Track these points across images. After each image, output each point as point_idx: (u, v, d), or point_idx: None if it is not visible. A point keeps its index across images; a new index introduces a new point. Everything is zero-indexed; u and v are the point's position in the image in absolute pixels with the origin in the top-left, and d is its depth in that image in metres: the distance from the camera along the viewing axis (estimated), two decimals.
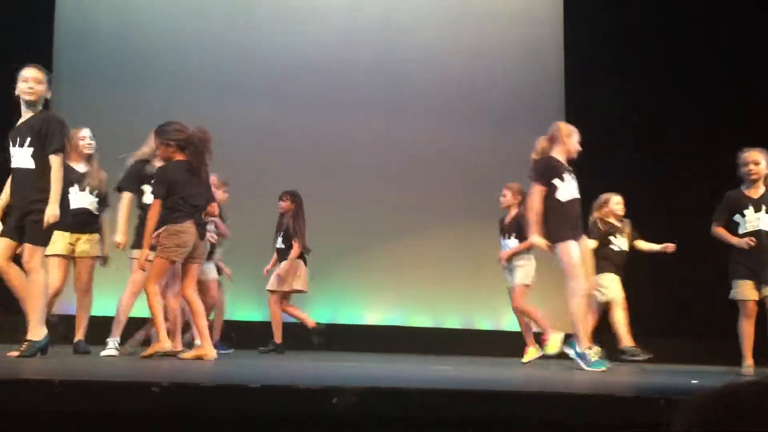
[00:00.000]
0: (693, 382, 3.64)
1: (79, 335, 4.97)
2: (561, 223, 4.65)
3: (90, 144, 5.12)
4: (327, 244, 7.33)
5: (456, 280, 7.93)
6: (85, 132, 5.17)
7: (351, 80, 8.08)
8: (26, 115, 4.03)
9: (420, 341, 7.36)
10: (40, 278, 3.87)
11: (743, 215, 4.96)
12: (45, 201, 3.84)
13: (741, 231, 4.97)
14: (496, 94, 8.37)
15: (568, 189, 4.77)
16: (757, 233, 4.90)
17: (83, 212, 4.95)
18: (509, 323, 8.02)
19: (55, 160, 3.88)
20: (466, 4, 8.54)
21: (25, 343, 3.88)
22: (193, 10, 7.91)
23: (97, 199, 5.07)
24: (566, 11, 8.58)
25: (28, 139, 3.91)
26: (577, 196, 4.85)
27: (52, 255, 4.63)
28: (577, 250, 4.62)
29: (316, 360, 4.86)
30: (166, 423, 2.37)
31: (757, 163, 4.95)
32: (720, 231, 5.03)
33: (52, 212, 3.83)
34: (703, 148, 7.35)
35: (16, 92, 4.00)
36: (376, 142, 8.04)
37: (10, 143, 4.00)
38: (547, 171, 4.77)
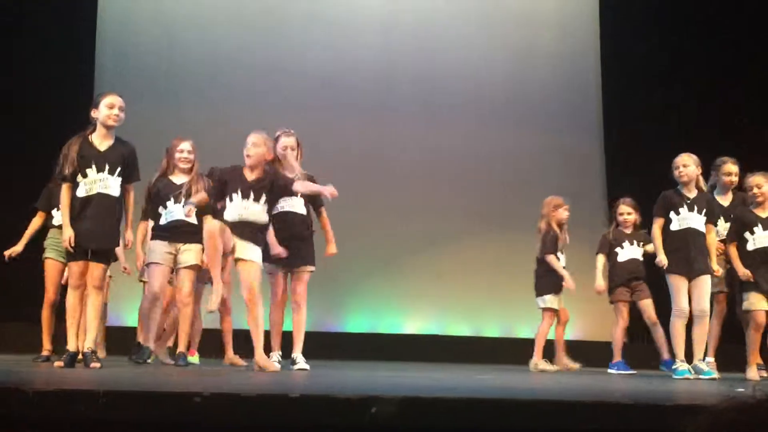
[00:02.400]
0: (738, 390, 3.57)
1: (181, 347, 4.91)
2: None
3: (186, 158, 5.08)
4: (365, 253, 7.37)
5: (496, 288, 7.88)
6: (184, 145, 5.13)
7: (389, 88, 8.11)
8: (105, 140, 4.24)
9: (459, 350, 7.32)
10: (101, 297, 4.34)
11: (752, 232, 5.10)
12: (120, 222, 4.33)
13: (750, 248, 5.11)
14: (535, 99, 8.33)
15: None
16: (764, 250, 5.07)
17: (180, 224, 4.92)
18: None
19: (132, 189, 4.36)
20: (501, 11, 8.52)
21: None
22: (229, 22, 8.03)
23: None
24: (602, 14, 8.51)
25: (119, 169, 4.22)
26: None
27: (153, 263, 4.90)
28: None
29: (355, 370, 4.87)
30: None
31: (759, 186, 5.14)
32: (732, 252, 5.18)
33: (130, 238, 4.51)
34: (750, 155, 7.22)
35: (99, 117, 4.21)
36: (415, 149, 8.05)
37: (94, 168, 4.16)
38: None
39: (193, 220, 4.86)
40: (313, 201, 4.85)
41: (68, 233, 4.16)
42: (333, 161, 7.80)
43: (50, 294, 5.21)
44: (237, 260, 4.31)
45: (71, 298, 4.25)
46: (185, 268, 4.89)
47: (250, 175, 4.38)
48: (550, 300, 6.00)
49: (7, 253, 5.21)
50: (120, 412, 2.41)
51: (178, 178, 5.06)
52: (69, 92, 7.03)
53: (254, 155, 4.35)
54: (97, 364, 4.16)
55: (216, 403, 2.43)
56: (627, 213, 6.05)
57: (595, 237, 8.17)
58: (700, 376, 4.86)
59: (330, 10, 8.23)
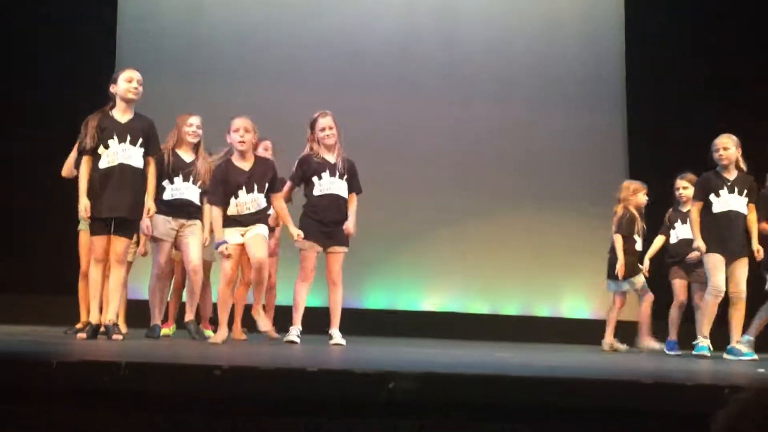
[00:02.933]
0: (760, 370, 3.54)
1: (190, 315, 5.03)
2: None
3: (195, 132, 5.05)
4: (385, 230, 7.37)
5: (515, 266, 7.86)
6: (193, 119, 5.09)
7: (412, 66, 8.06)
8: (125, 114, 4.30)
9: (479, 328, 7.32)
10: (123, 270, 4.42)
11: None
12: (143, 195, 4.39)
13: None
14: (557, 78, 8.24)
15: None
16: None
17: (186, 202, 4.96)
18: (569, 310, 7.93)
19: (153, 161, 4.42)
20: None
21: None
22: (252, 1, 7.99)
23: (199, 190, 5.01)
24: None
25: (140, 140, 4.28)
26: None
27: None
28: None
29: (374, 345, 4.90)
30: (227, 404, 2.43)
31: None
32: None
33: (152, 207, 4.45)
34: None
35: (118, 92, 4.26)
36: (437, 126, 8.00)
37: (116, 139, 4.21)
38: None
39: (197, 200, 5.01)
40: (351, 183, 4.93)
41: (84, 202, 4.21)
42: (356, 137, 7.75)
43: (85, 266, 5.14)
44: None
45: (93, 272, 4.30)
46: (191, 239, 4.95)
47: (245, 165, 4.48)
48: (618, 284, 5.90)
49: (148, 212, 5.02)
50: (142, 383, 2.45)
51: (186, 155, 5.05)
52: (90, 70, 7.07)
53: (247, 141, 4.44)
54: (119, 336, 4.21)
55: (235, 376, 2.46)
56: (683, 187, 5.86)
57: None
58: (742, 358, 4.81)
59: None
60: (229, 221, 4.45)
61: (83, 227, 5.08)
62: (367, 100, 7.72)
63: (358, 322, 6.08)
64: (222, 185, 4.45)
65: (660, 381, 2.54)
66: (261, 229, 4.47)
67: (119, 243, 4.26)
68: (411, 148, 7.85)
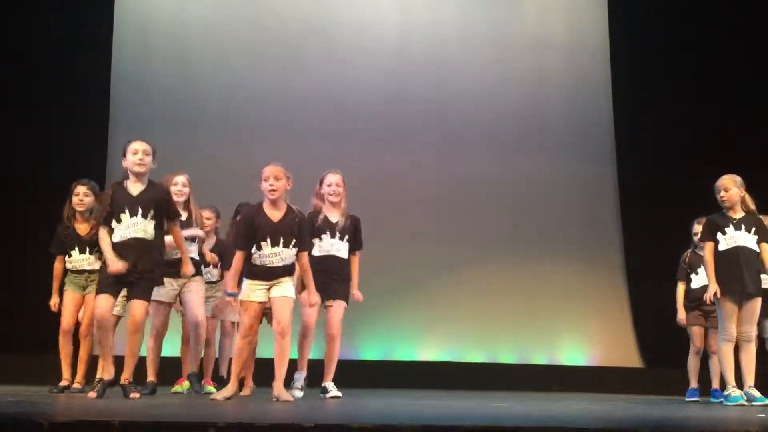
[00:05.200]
0: (760, 416, 3.51)
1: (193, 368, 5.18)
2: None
3: (180, 191, 5.09)
4: (379, 281, 7.35)
5: (510, 315, 7.84)
6: (178, 178, 5.15)
7: (402, 115, 8.16)
8: (136, 186, 4.32)
9: (475, 377, 7.27)
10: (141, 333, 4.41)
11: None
12: (162, 264, 4.42)
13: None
14: (546, 125, 8.35)
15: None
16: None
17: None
18: (567, 358, 7.89)
19: (177, 225, 4.53)
20: (512, 38, 8.57)
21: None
22: (243, 52, 8.11)
23: (197, 245, 5.14)
24: (612, 38, 8.55)
25: (152, 212, 4.30)
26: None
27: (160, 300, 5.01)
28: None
29: (370, 398, 4.84)
30: None
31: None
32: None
33: (189, 269, 4.60)
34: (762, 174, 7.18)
35: (127, 165, 4.32)
36: (428, 176, 8.06)
37: (127, 212, 4.25)
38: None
39: (196, 255, 5.06)
40: (353, 242, 4.93)
41: (115, 260, 4.19)
42: (347, 188, 7.83)
43: (65, 323, 5.18)
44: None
45: (97, 332, 4.35)
46: (192, 295, 5.06)
47: (274, 214, 4.30)
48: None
49: (52, 304, 5.23)
50: None
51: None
52: (82, 134, 7.15)
53: (278, 188, 4.27)
54: (137, 394, 4.23)
55: None
56: (700, 231, 5.84)
57: (608, 264, 8.16)
58: (754, 403, 4.77)
59: (343, 41, 8.31)
60: (251, 275, 4.28)
61: (68, 288, 5.19)
62: (355, 151, 7.80)
63: (353, 373, 6.02)
64: (246, 229, 4.29)
65: (659, 430, 2.52)
66: (288, 291, 4.29)
67: (137, 307, 4.27)
68: (401, 198, 7.90)
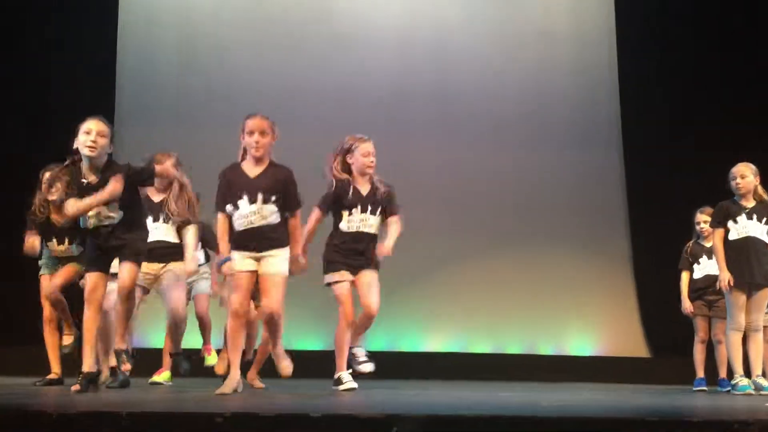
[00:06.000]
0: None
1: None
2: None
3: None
4: (385, 273, 7.33)
5: (517, 305, 7.84)
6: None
7: (405, 106, 8.14)
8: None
9: (482, 368, 7.27)
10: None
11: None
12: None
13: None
14: (551, 117, 8.32)
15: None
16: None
17: (161, 244, 4.70)
18: (573, 348, 7.89)
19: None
20: (517, 27, 8.53)
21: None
22: (249, 44, 8.10)
23: (173, 227, 4.75)
24: (618, 27, 8.50)
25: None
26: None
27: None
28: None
29: (377, 388, 4.85)
30: None
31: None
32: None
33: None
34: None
35: (78, 146, 3.88)
36: (432, 167, 8.05)
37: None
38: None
39: (172, 238, 4.70)
40: (387, 212, 4.49)
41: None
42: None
43: (46, 311, 4.90)
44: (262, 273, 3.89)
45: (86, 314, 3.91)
46: (170, 292, 4.63)
47: (253, 170, 3.91)
48: None
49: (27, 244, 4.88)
50: None
51: (156, 195, 4.75)
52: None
53: (264, 144, 3.90)
54: (128, 366, 4.17)
55: (238, 424, 2.43)
56: (703, 221, 5.73)
57: (615, 254, 8.14)
58: (762, 392, 4.77)
59: (347, 31, 8.28)
60: (237, 245, 3.88)
61: (44, 272, 4.94)
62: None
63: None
64: (224, 188, 3.93)
65: (664, 418, 2.51)
66: (279, 266, 3.87)
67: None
68: (405, 190, 7.78)
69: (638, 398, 4.22)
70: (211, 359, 5.27)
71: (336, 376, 4.36)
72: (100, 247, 3.89)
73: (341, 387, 4.28)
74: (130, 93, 7.80)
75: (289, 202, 3.96)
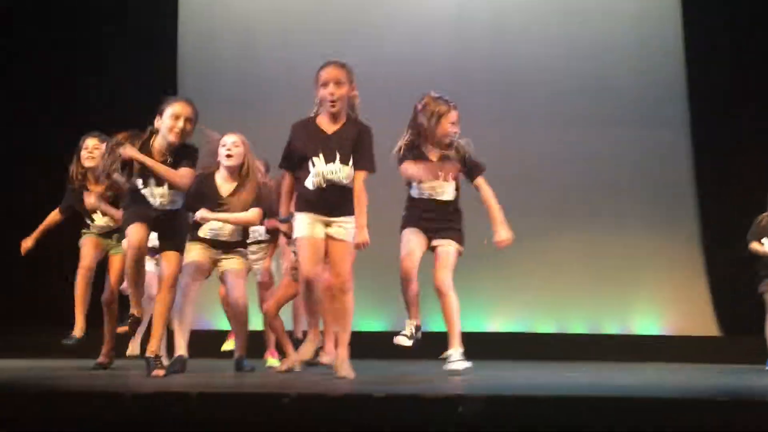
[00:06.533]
0: None
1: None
2: None
3: (229, 152, 4.39)
4: None
5: (582, 284, 7.72)
6: (226, 139, 4.47)
7: (464, 88, 8.03)
8: (161, 152, 3.76)
9: (545, 347, 7.20)
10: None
11: None
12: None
13: None
14: (615, 94, 8.10)
15: None
16: None
17: (224, 244, 4.43)
18: (640, 327, 7.74)
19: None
20: (580, 4, 8.31)
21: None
22: (306, 29, 8.13)
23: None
24: (684, 4, 8.21)
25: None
26: None
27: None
28: None
29: (440, 368, 4.85)
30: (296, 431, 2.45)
31: None
32: None
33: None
34: None
35: (160, 128, 3.75)
36: (493, 147, 7.88)
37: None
38: None
39: (237, 236, 4.40)
40: (470, 173, 4.21)
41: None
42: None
43: (85, 260, 4.58)
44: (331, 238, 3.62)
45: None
46: (233, 270, 4.37)
47: (330, 126, 3.67)
48: None
49: (22, 246, 4.71)
50: (213, 412, 2.49)
51: (225, 183, 4.38)
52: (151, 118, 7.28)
53: (340, 96, 3.67)
54: (161, 372, 3.74)
55: (304, 404, 2.48)
56: None
57: (683, 232, 7.92)
58: None
59: (403, 13, 8.23)
60: (303, 205, 3.63)
61: (88, 235, 4.65)
62: None
63: (423, 345, 6.04)
64: (294, 144, 3.74)
65: (736, 399, 2.45)
66: (348, 233, 3.63)
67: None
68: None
69: (708, 378, 4.12)
70: (273, 361, 5.12)
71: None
72: (149, 217, 3.73)
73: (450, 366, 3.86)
74: (192, 81, 7.93)
75: (363, 163, 3.60)
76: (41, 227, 4.74)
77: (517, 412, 2.40)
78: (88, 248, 4.63)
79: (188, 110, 3.72)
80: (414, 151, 4.10)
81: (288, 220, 3.77)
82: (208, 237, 4.31)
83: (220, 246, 4.36)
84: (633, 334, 7.66)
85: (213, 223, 4.28)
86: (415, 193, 4.10)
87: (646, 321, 7.78)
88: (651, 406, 2.43)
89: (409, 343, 3.96)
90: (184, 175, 3.73)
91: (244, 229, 4.44)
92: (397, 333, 4.05)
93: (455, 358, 3.89)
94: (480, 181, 4.29)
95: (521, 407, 2.42)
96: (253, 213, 4.35)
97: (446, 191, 4.14)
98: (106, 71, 7.46)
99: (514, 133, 7.95)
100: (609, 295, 7.74)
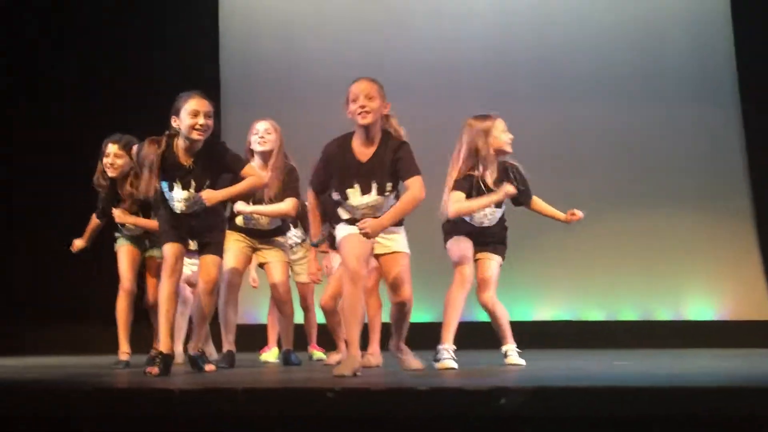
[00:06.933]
0: None
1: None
2: None
3: (262, 139, 4.44)
4: None
5: (631, 270, 7.57)
6: (259, 125, 4.50)
7: (511, 72, 7.95)
8: (187, 153, 3.69)
9: (594, 336, 7.09)
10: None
11: None
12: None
13: None
14: (662, 70, 7.92)
15: None
16: None
17: (259, 233, 4.54)
18: (693, 312, 7.56)
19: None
20: None
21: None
22: (349, 18, 8.14)
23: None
24: None
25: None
26: None
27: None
28: None
29: (484, 358, 4.83)
30: (340, 426, 2.46)
31: None
32: None
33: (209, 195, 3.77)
34: None
35: (179, 126, 3.68)
36: (537, 129, 7.82)
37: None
38: None
39: (272, 224, 4.49)
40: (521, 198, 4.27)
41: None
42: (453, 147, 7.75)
43: (125, 281, 4.45)
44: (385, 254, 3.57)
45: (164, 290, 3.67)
46: (273, 262, 4.48)
47: (364, 151, 3.48)
48: None
49: (73, 245, 4.69)
50: (259, 407, 2.52)
51: (259, 172, 4.23)
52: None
53: (372, 110, 3.45)
54: (212, 367, 3.93)
55: (348, 398, 2.48)
56: None
57: (735, 212, 7.69)
58: None
59: (444, 2, 8.18)
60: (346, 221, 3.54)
61: (122, 242, 4.54)
62: (462, 110, 7.58)
63: (468, 334, 6.01)
64: (323, 169, 3.56)
65: None
66: (401, 244, 3.57)
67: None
68: (516, 157, 7.71)
69: (764, 364, 4.00)
70: (319, 354, 5.26)
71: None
72: (184, 224, 3.71)
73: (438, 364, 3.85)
74: (234, 73, 7.99)
75: (410, 173, 3.40)
76: (88, 229, 4.71)
77: (560, 403, 2.37)
78: (125, 265, 4.45)
79: (205, 105, 3.63)
80: (469, 180, 4.00)
81: (321, 242, 3.79)
82: (245, 227, 4.44)
83: (258, 235, 4.48)
84: (686, 320, 7.49)
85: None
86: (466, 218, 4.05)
87: (700, 306, 7.61)
88: (705, 396, 2.36)
89: (455, 365, 3.83)
90: (292, 203, 4.21)
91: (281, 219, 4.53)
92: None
93: (513, 352, 4.14)
94: (533, 202, 4.39)
95: (565, 399, 2.39)
96: (288, 204, 4.39)
97: (496, 215, 4.14)
98: (148, 69, 7.57)
99: (561, 114, 7.83)
100: (660, 279, 7.58)
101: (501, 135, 4.11)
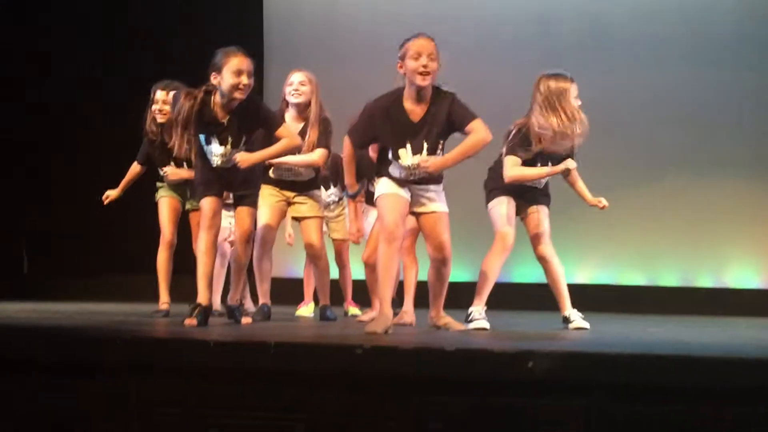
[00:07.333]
0: None
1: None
2: None
3: (297, 91, 4.40)
4: None
5: (673, 235, 7.44)
6: (294, 77, 4.45)
7: (552, 38, 7.77)
8: (222, 109, 3.68)
9: (633, 300, 7.02)
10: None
11: None
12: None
13: None
14: (715, 35, 7.64)
15: None
16: None
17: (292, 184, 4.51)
18: (736, 280, 7.43)
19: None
20: None
21: None
22: None
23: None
24: None
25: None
26: None
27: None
28: None
29: (518, 320, 4.83)
30: (368, 382, 2.50)
31: None
32: None
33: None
34: None
35: (220, 84, 3.63)
36: (584, 94, 7.66)
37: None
38: None
39: (306, 175, 4.47)
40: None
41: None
42: (497, 108, 7.62)
43: (166, 233, 4.53)
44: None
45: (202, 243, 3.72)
46: (310, 219, 4.48)
47: (416, 110, 3.42)
48: None
49: (104, 197, 4.70)
50: (289, 362, 2.58)
51: (292, 123, 4.33)
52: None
53: (433, 71, 3.39)
54: (249, 319, 4.02)
55: (376, 355, 2.53)
56: None
57: None
58: None
59: None
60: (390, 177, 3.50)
61: (163, 193, 4.59)
62: (505, 76, 7.50)
63: (506, 296, 6.00)
64: (368, 127, 3.52)
65: None
66: (440, 204, 3.54)
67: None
68: None
69: None
70: (355, 310, 5.25)
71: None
72: (221, 177, 3.75)
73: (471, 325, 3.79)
74: (278, 32, 7.97)
75: (467, 121, 3.38)
76: (125, 180, 4.73)
77: (587, 369, 2.37)
78: (165, 217, 4.53)
79: (249, 64, 3.59)
80: (526, 146, 3.87)
81: (357, 194, 3.83)
82: (279, 179, 4.42)
83: (292, 187, 4.48)
84: (728, 288, 7.36)
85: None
86: None
87: (743, 273, 7.46)
88: (736, 367, 2.34)
89: (487, 325, 3.80)
90: (322, 153, 4.22)
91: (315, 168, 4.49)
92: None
93: (576, 316, 4.07)
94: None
95: (592, 364, 2.39)
96: (318, 154, 4.37)
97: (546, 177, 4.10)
98: (192, 28, 7.59)
99: (606, 80, 7.63)
100: (703, 245, 7.44)
101: (573, 101, 3.99)
